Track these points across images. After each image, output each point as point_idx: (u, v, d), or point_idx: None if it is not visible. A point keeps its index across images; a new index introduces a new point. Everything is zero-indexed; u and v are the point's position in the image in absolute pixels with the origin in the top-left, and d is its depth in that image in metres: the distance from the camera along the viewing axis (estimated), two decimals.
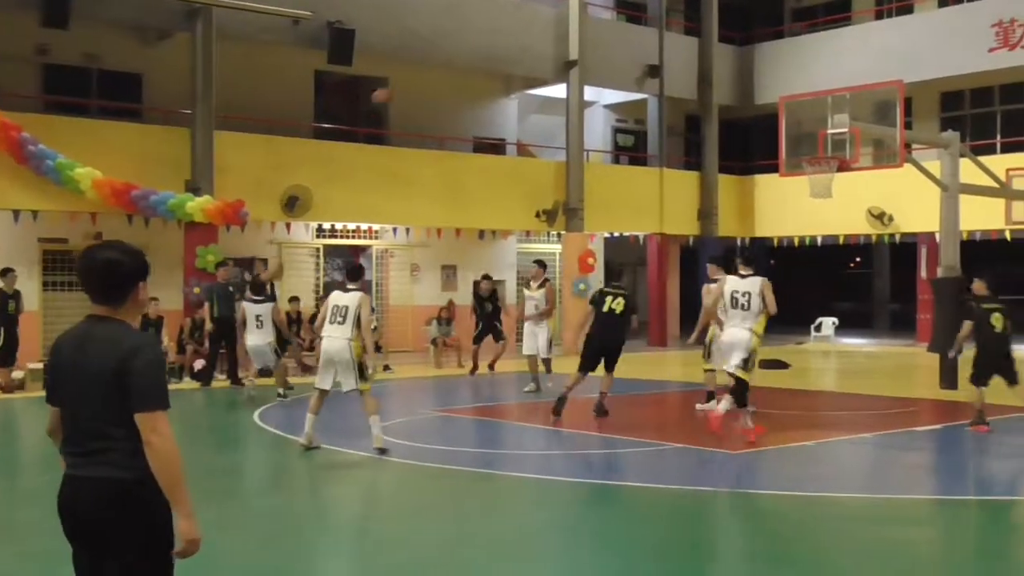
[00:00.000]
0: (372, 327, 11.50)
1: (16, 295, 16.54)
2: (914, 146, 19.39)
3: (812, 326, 27.43)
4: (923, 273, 25.32)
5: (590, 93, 26.63)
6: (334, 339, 10.38)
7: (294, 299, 19.97)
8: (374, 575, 6.70)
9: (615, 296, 13.33)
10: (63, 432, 3.70)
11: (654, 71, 26.95)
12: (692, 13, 28.89)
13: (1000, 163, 21.22)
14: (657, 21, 27.53)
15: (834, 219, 25.33)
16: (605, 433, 12.17)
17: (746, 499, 8.83)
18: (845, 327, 28.32)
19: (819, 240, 27.16)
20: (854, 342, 27.44)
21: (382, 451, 10.22)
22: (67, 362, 3.65)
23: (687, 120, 29.79)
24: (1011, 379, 12.04)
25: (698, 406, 13.64)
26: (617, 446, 11.31)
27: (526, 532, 7.63)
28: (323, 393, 10.59)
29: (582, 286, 24.50)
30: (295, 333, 19.56)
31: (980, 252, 24.46)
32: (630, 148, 30.28)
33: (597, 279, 26.75)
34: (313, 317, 19.52)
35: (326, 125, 23.11)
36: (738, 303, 11.07)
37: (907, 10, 28.08)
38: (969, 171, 17.90)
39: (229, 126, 20.03)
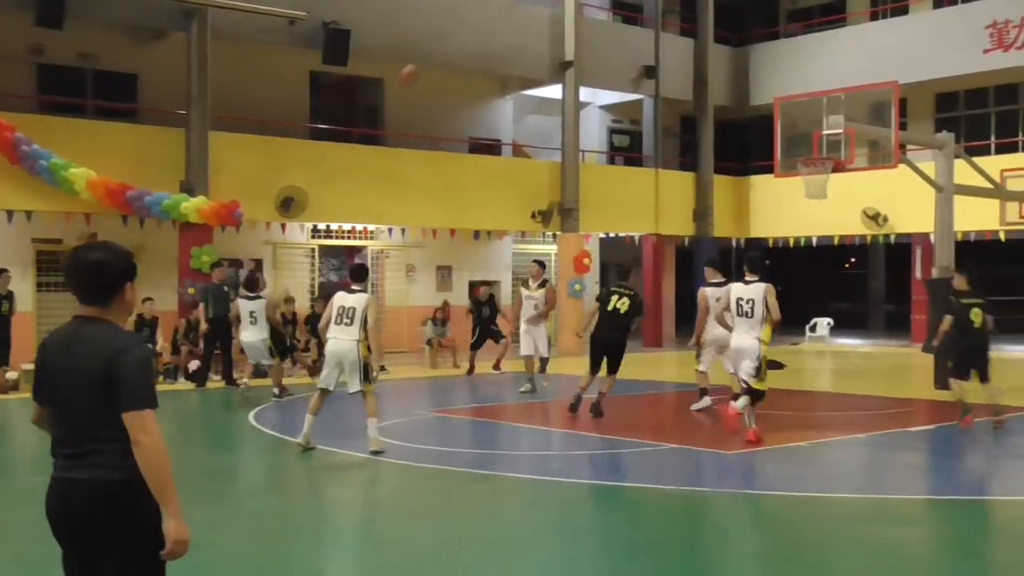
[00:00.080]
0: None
1: (9, 296, 16.52)
2: (909, 147, 19.39)
3: (807, 326, 27.45)
4: (918, 274, 25.34)
5: (586, 94, 26.64)
6: (341, 340, 10.32)
7: (289, 300, 19.94)
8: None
9: (621, 296, 13.32)
10: (52, 433, 3.69)
11: (650, 72, 26.96)
12: (688, 14, 28.92)
13: (994, 164, 21.25)
14: (653, 22, 27.55)
15: (829, 220, 25.36)
16: (601, 434, 12.16)
17: (741, 499, 8.84)
18: (840, 327, 28.35)
19: (814, 241, 27.20)
20: (849, 342, 27.47)
21: (377, 453, 10.21)
22: (55, 363, 3.65)
23: (683, 121, 29.81)
24: (983, 376, 12.16)
25: (693, 407, 13.66)
26: (613, 447, 11.31)
27: (521, 533, 7.63)
28: (324, 393, 10.53)
29: (578, 287, 24.51)
30: (290, 334, 19.54)
31: (975, 253, 24.50)
32: (626, 149, 30.30)
33: (593, 279, 26.82)
34: (308, 318, 19.58)
35: (321, 126, 23.11)
36: (742, 310, 11.02)
37: (902, 11, 28.12)
38: (964, 172, 17.93)
39: (224, 126, 20.01)
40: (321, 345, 19.16)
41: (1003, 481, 9.67)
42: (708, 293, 13.38)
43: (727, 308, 11.38)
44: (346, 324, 10.31)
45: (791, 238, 27.53)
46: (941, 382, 16.08)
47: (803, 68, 27.37)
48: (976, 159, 19.46)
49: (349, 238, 23.47)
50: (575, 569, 6.70)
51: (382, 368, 19.10)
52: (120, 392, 3.49)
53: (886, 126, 16.21)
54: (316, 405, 10.54)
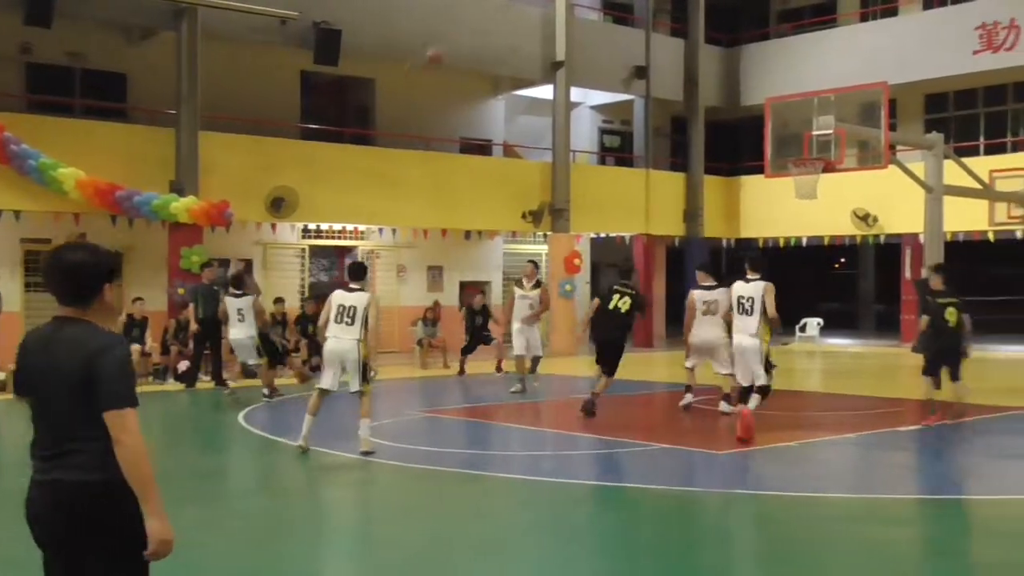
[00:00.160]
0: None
1: None
2: (898, 148, 19.48)
3: (797, 327, 27.50)
4: (907, 274, 25.41)
5: (576, 94, 26.66)
6: (343, 340, 10.23)
7: (279, 300, 19.91)
8: None
9: (622, 295, 13.33)
10: (33, 433, 3.67)
11: (641, 72, 26.99)
12: (679, 14, 28.94)
13: (983, 165, 21.34)
14: (644, 22, 27.57)
15: (819, 220, 25.41)
16: (592, 434, 12.16)
17: (733, 499, 8.84)
18: (830, 327, 28.41)
19: (804, 241, 27.24)
20: (839, 342, 27.53)
21: (368, 453, 10.18)
22: (33, 363, 3.63)
23: (673, 121, 29.84)
24: (954, 375, 12.32)
25: (681, 403, 13.75)
26: (604, 447, 11.31)
27: (513, 533, 7.62)
28: (324, 393, 10.44)
29: (568, 287, 24.51)
30: (280, 335, 19.50)
31: (964, 253, 24.58)
32: (616, 149, 30.32)
33: (584, 280, 26.84)
34: (298, 318, 19.56)
35: (312, 125, 23.07)
36: (743, 307, 11.26)
37: (892, 12, 28.19)
38: (953, 172, 17.99)
39: (214, 126, 19.96)
40: (312, 345, 19.28)
41: (991, 480, 9.69)
42: (696, 296, 13.47)
43: (730, 308, 11.58)
44: (347, 323, 10.21)
45: (781, 238, 27.57)
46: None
47: (794, 69, 27.43)
48: (965, 160, 19.54)
49: (340, 238, 23.43)
50: (567, 570, 6.70)
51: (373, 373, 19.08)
52: (100, 392, 3.47)
53: (876, 127, 16.27)
54: (315, 405, 10.43)
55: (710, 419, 13.27)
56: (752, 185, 27.97)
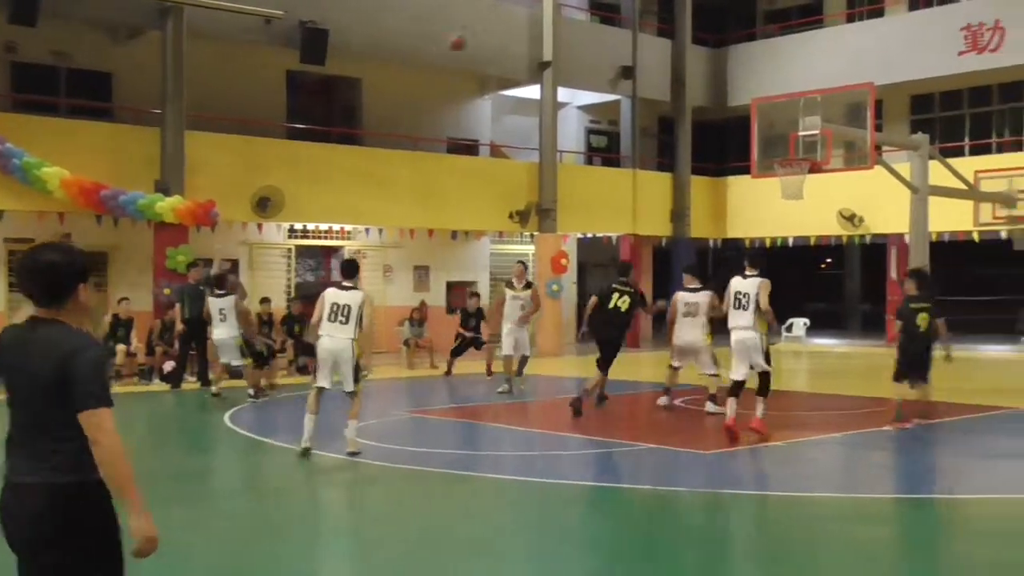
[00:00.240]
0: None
1: None
2: (884, 148, 19.53)
3: (783, 326, 27.53)
4: (893, 274, 25.49)
5: (563, 94, 26.67)
6: (337, 339, 10.15)
7: (265, 300, 19.84)
8: None
9: (622, 294, 13.41)
10: (7, 432, 3.64)
11: (627, 72, 27.01)
12: (666, 15, 28.98)
13: (968, 165, 21.41)
14: (631, 22, 27.60)
15: (805, 220, 25.48)
16: (578, 434, 12.17)
17: (719, 499, 8.85)
18: (816, 327, 28.46)
19: (791, 241, 27.30)
20: (825, 342, 27.59)
21: (354, 454, 10.14)
22: (11, 362, 3.61)
23: (660, 121, 29.87)
24: (924, 377, 12.49)
25: (658, 402, 13.88)
26: (591, 447, 11.31)
27: (500, 533, 7.61)
28: (321, 391, 10.35)
29: (555, 287, 24.51)
30: (266, 334, 19.44)
31: (949, 253, 24.67)
32: (603, 149, 30.34)
33: (571, 280, 26.85)
34: (284, 318, 19.50)
35: (299, 125, 23.01)
36: (739, 303, 11.47)
37: (878, 13, 28.28)
38: (938, 173, 18.04)
39: (200, 126, 19.90)
40: (299, 345, 19.23)
41: (975, 479, 9.73)
42: (678, 297, 13.61)
43: (725, 302, 11.75)
44: (341, 322, 10.13)
45: (768, 238, 27.62)
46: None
47: (780, 69, 27.50)
48: (950, 160, 19.60)
49: (326, 238, 23.39)
50: (554, 569, 6.69)
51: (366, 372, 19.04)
52: (75, 393, 3.46)
53: (862, 127, 16.31)
54: (314, 404, 10.32)
55: (696, 419, 13.29)
56: (739, 185, 28.02)
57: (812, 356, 24.93)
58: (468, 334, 19.41)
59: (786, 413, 13.71)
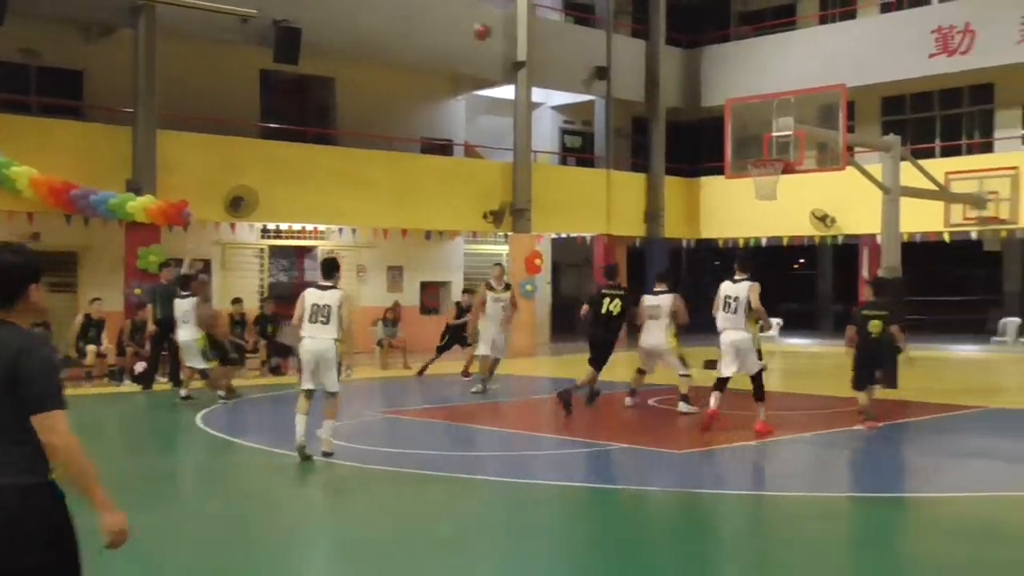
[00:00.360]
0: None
1: None
2: (856, 149, 19.63)
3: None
4: (865, 274, 25.64)
5: (538, 94, 26.67)
6: (319, 339, 10.06)
7: (237, 301, 19.75)
8: None
9: (612, 298, 13.62)
10: None
11: (602, 73, 27.05)
12: (640, 15, 29.03)
13: (939, 167, 21.58)
14: (605, 23, 27.64)
15: (778, 221, 25.59)
16: (551, 434, 12.18)
17: (691, 498, 8.87)
18: (789, 327, 28.59)
19: (764, 241, 27.41)
20: (798, 342, 27.71)
21: (328, 454, 10.09)
22: None
23: (634, 122, 29.93)
24: (872, 380, 12.69)
25: (626, 401, 14.05)
26: (565, 447, 11.33)
27: (472, 533, 7.60)
28: (309, 394, 10.24)
29: (529, 287, 24.50)
30: (238, 335, 19.35)
31: (920, 254, 24.85)
32: (577, 149, 30.37)
33: (544, 280, 26.86)
34: (257, 319, 19.41)
35: (272, 125, 22.90)
36: (729, 306, 11.69)
37: (851, 16, 28.47)
38: (909, 174, 18.17)
39: (173, 125, 19.77)
40: (272, 346, 19.15)
41: (944, 478, 9.79)
42: (643, 301, 13.77)
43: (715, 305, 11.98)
44: (322, 323, 10.05)
45: (741, 239, 27.72)
46: (887, 382, 16.34)
47: (754, 70, 27.61)
48: (921, 162, 19.74)
49: (299, 238, 23.30)
50: (526, 570, 6.69)
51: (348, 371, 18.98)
52: (26, 394, 3.42)
53: (834, 128, 16.39)
54: (304, 406, 10.19)
55: (670, 419, 13.33)
56: (712, 186, 28.11)
57: (785, 356, 25.02)
58: (456, 322, 19.31)
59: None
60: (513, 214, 24.64)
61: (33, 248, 3.82)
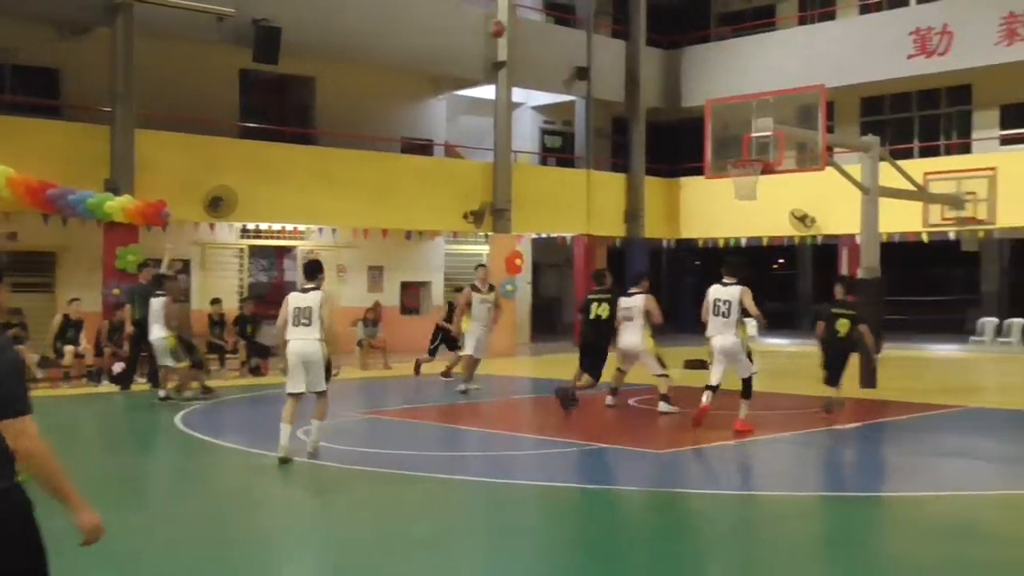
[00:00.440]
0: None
1: None
2: (836, 150, 19.70)
3: None
4: (850, 275, 25.73)
5: (518, 94, 26.67)
6: (304, 341, 10.00)
7: (216, 301, 19.67)
8: None
9: (600, 302, 13.67)
10: None
11: (582, 73, 27.07)
12: (620, 16, 29.09)
13: (918, 167, 21.66)
14: (585, 23, 27.66)
15: (758, 221, 25.67)
16: (531, 434, 12.17)
17: (671, 498, 8.88)
18: (769, 327, 28.58)
19: (743, 241, 27.48)
20: (777, 342, 27.79)
21: (313, 455, 10.03)
22: None
23: (614, 122, 29.98)
24: (837, 380, 12.97)
25: (607, 400, 14.11)
26: (544, 447, 11.31)
27: (450, 533, 7.57)
28: (297, 398, 10.16)
29: (509, 287, 24.47)
30: (218, 335, 19.27)
31: (899, 254, 24.97)
32: (558, 149, 30.38)
33: (525, 280, 26.85)
34: (236, 319, 19.34)
35: (252, 124, 22.80)
36: (719, 310, 11.77)
37: (830, 17, 28.60)
38: (888, 174, 18.24)
39: (151, 124, 19.65)
40: (251, 346, 19.07)
41: (923, 477, 9.83)
42: (619, 303, 13.82)
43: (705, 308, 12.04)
44: (304, 324, 10.00)
45: (721, 239, 27.80)
46: (866, 381, 16.42)
47: (734, 71, 27.68)
48: (900, 162, 19.82)
49: (279, 238, 23.21)
50: (506, 570, 6.67)
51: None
52: None
53: (814, 129, 16.42)
54: (290, 414, 10.08)
55: (650, 419, 13.34)
56: (692, 186, 28.18)
57: (764, 356, 25.01)
58: (447, 324, 19.23)
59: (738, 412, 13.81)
60: (493, 214, 24.63)
61: (10, 248, 3.78)
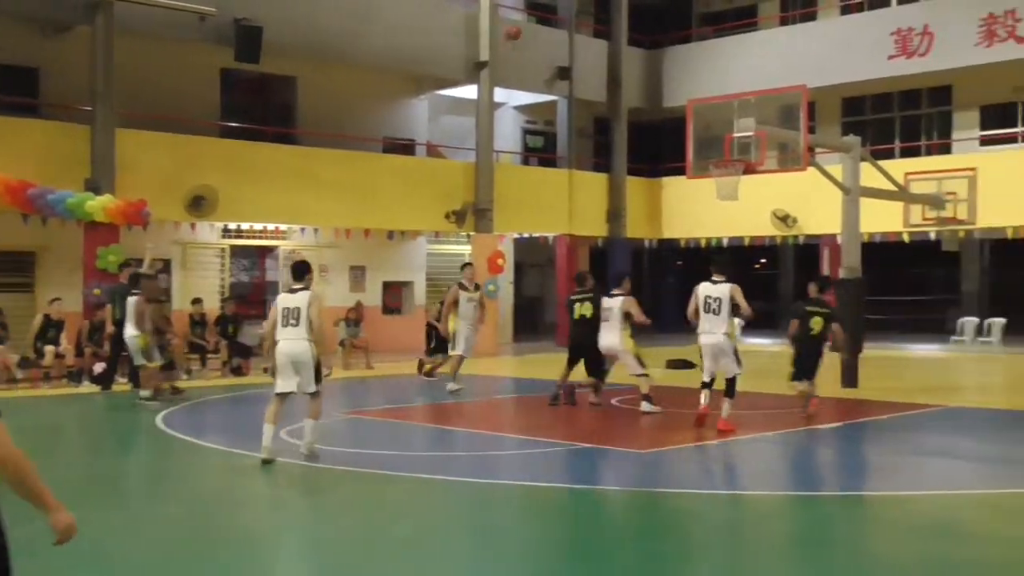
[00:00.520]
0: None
1: None
2: (817, 150, 19.77)
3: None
4: (825, 274, 25.83)
5: (500, 94, 26.66)
6: (293, 341, 9.96)
7: (197, 301, 19.59)
8: None
9: (582, 302, 14.02)
10: None
11: (564, 73, 27.08)
12: (602, 16, 29.10)
13: (899, 167, 21.79)
14: (567, 23, 27.67)
15: (740, 221, 25.74)
16: (514, 434, 12.16)
17: (654, 497, 8.88)
18: (751, 327, 28.70)
19: (725, 241, 27.55)
20: (759, 342, 27.87)
21: (310, 456, 9.98)
22: None
23: (596, 122, 29.99)
24: (810, 376, 13.15)
25: (590, 399, 14.20)
26: (527, 447, 11.31)
27: (432, 533, 7.56)
28: (282, 399, 10.12)
29: (491, 287, 24.47)
30: (199, 335, 19.19)
31: (880, 254, 25.07)
32: (539, 149, 30.38)
33: (507, 280, 26.85)
34: (218, 319, 19.27)
35: (233, 124, 22.72)
36: (710, 308, 11.92)
37: (811, 17, 28.71)
38: (869, 175, 18.32)
39: (132, 123, 19.56)
40: (233, 346, 19.01)
41: (904, 476, 9.87)
42: (602, 303, 13.91)
43: (696, 306, 12.15)
44: (292, 325, 9.97)
45: (703, 239, 27.86)
46: (847, 380, 16.48)
47: (715, 71, 27.75)
48: (881, 162, 19.91)
49: (261, 238, 23.13)
50: (488, 569, 6.66)
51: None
52: None
53: (795, 129, 16.48)
54: (274, 414, 10.03)
55: (632, 419, 13.36)
56: (674, 186, 28.22)
57: (746, 355, 25.05)
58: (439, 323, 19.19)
59: (720, 412, 13.83)
60: (475, 214, 24.62)
61: None
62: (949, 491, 9.02)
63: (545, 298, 30.85)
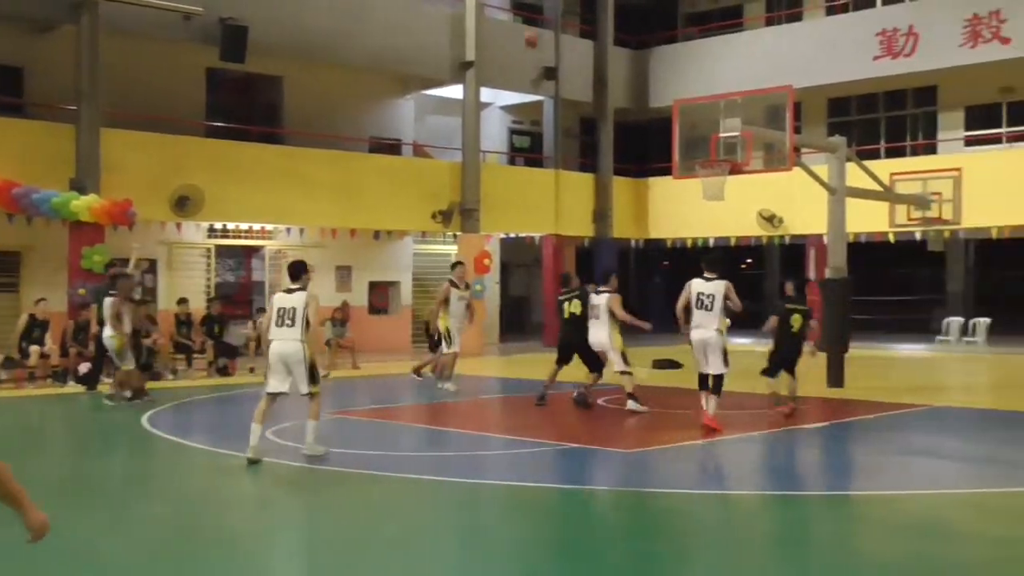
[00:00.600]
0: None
1: None
2: (803, 150, 19.81)
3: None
4: (811, 274, 25.89)
5: (486, 94, 26.66)
6: (286, 341, 9.93)
7: (183, 301, 19.53)
8: None
9: (570, 300, 14.18)
10: None
11: (550, 73, 27.09)
12: (588, 16, 29.12)
13: (884, 167, 21.84)
14: (553, 23, 27.68)
15: (726, 221, 25.79)
16: (500, 434, 12.15)
17: (640, 497, 8.89)
18: (737, 327, 28.71)
19: (711, 241, 27.59)
20: (745, 342, 27.91)
21: (314, 458, 9.94)
22: None
23: (582, 122, 30.02)
24: (791, 372, 13.47)
25: (574, 395, 14.23)
26: (514, 447, 11.30)
27: (421, 534, 7.55)
28: (272, 399, 10.09)
29: (478, 287, 24.45)
30: (184, 335, 19.13)
31: (866, 254, 25.16)
32: (526, 149, 30.39)
33: (493, 280, 26.84)
34: (204, 319, 19.22)
35: (219, 123, 22.65)
36: (702, 304, 12.04)
37: (797, 18, 28.80)
38: (855, 175, 18.37)
39: (117, 123, 19.49)
40: (219, 346, 18.96)
41: (890, 476, 9.90)
42: (590, 299, 14.03)
43: (686, 302, 12.29)
44: (287, 325, 9.93)
45: (689, 239, 27.91)
46: (833, 380, 16.53)
47: (701, 71, 27.81)
48: (867, 162, 19.97)
49: (247, 238, 23.08)
50: (475, 569, 6.66)
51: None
52: None
53: (781, 129, 16.50)
54: (262, 414, 10.00)
55: (618, 418, 13.37)
56: (660, 186, 28.27)
57: (732, 355, 25.13)
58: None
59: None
60: (462, 214, 24.60)
61: None
62: (935, 490, 9.06)
63: (532, 298, 30.86)
